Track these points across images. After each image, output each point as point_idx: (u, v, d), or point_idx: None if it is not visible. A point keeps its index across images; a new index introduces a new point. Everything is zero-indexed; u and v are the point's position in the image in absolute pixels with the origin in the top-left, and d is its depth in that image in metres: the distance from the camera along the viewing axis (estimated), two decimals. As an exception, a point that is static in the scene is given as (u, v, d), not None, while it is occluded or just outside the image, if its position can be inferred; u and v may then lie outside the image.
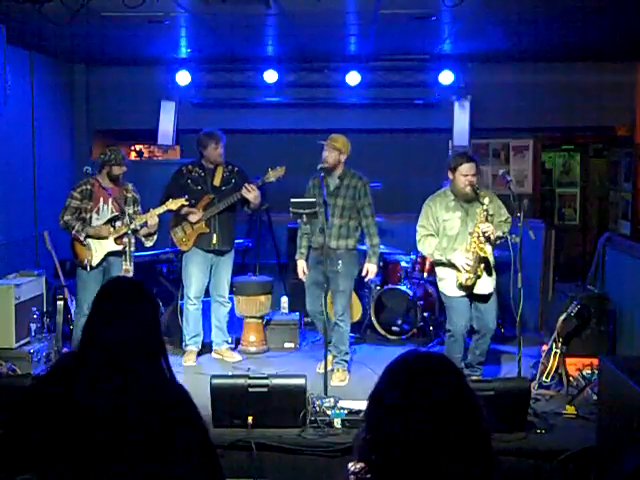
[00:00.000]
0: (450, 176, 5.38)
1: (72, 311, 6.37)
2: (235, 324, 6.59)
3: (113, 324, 2.21)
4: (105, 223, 5.93)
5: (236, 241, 7.04)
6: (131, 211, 5.99)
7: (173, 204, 5.93)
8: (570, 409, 4.96)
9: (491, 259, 5.39)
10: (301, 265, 5.88)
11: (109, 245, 5.92)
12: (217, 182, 6.17)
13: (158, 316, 2.37)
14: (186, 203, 5.97)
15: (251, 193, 5.99)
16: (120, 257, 5.97)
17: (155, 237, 6.07)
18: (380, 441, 1.64)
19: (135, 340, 2.22)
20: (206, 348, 6.38)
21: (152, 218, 5.89)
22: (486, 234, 5.19)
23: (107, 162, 5.93)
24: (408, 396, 1.63)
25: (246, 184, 6.02)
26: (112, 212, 5.97)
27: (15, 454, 2.20)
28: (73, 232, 5.88)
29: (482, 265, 5.28)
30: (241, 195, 6.04)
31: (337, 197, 5.74)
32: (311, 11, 5.42)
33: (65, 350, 6.02)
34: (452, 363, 1.74)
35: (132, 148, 9.80)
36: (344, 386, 5.66)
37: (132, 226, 5.86)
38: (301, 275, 5.90)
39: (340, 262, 5.75)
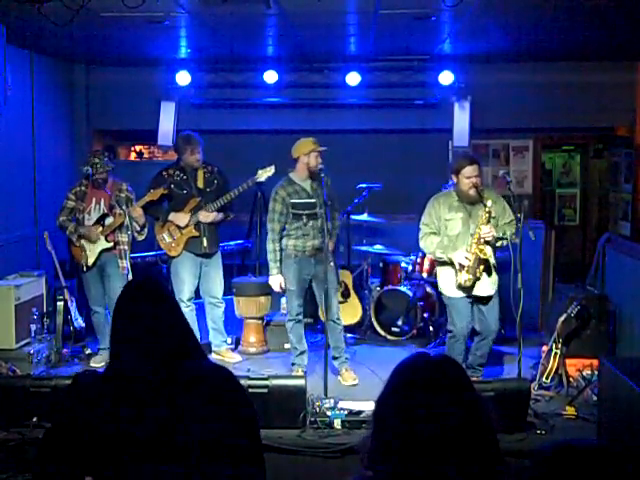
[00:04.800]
0: (454, 179, 5.38)
1: (72, 312, 6.39)
2: (235, 325, 6.59)
3: (148, 327, 2.19)
4: (95, 222, 6.07)
5: (236, 242, 7.04)
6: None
7: (153, 195, 6.01)
8: (570, 410, 4.97)
9: (492, 261, 5.39)
10: (279, 280, 5.72)
11: (101, 243, 6.09)
12: (200, 184, 6.19)
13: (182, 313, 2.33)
14: (165, 192, 6.03)
15: (207, 218, 6.10)
16: (114, 254, 6.06)
17: (145, 230, 6.15)
18: (386, 444, 1.63)
19: (173, 340, 2.20)
20: (204, 349, 6.36)
21: (135, 210, 5.98)
22: (487, 237, 5.18)
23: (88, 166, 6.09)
24: (415, 401, 1.62)
25: (200, 212, 6.08)
26: (103, 212, 6.07)
27: (60, 461, 2.18)
28: (67, 233, 6.12)
29: (482, 267, 5.27)
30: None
31: (318, 197, 5.69)
32: (311, 11, 5.42)
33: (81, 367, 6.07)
34: (460, 368, 1.72)
35: (132, 148, 9.79)
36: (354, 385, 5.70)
37: (127, 219, 5.91)
38: (279, 289, 5.78)
39: (331, 259, 5.76)
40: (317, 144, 5.68)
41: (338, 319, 5.84)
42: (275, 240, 5.69)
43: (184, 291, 6.18)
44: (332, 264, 5.77)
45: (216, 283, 6.31)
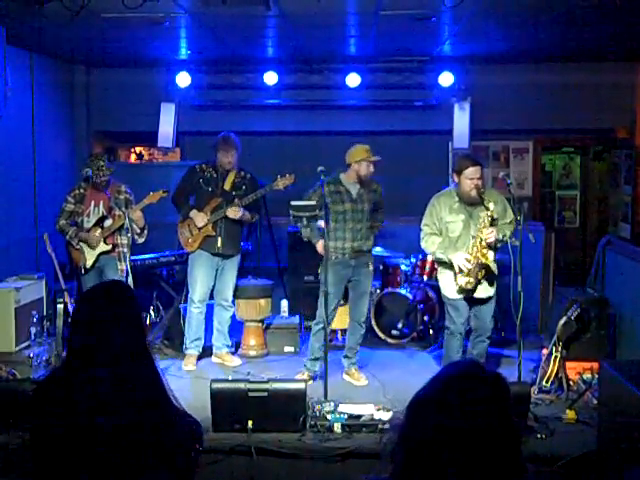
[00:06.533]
0: (455, 179, 5.38)
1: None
2: (235, 328, 6.58)
3: (98, 329, 2.19)
4: (94, 225, 6.05)
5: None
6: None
7: (153, 197, 5.95)
8: (570, 413, 4.95)
9: (494, 267, 5.37)
10: (321, 244, 5.72)
11: (100, 246, 6.08)
12: (227, 186, 6.16)
13: (141, 317, 2.33)
14: (164, 195, 5.99)
15: (235, 214, 6.03)
16: (113, 257, 6.05)
17: (146, 232, 6.11)
18: (417, 450, 1.61)
19: (122, 343, 2.20)
20: (206, 352, 6.37)
21: (134, 212, 5.94)
22: (489, 240, 5.18)
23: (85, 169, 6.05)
24: (463, 414, 1.59)
25: (230, 206, 6.03)
26: (102, 214, 6.07)
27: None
28: (67, 237, 6.10)
29: (483, 271, 5.27)
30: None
31: (363, 202, 5.75)
32: (311, 12, 5.42)
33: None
34: (508, 388, 1.70)
35: (132, 150, 9.78)
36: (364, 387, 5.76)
37: (127, 220, 5.88)
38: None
39: (369, 263, 5.84)
40: (370, 153, 5.67)
41: (364, 322, 5.92)
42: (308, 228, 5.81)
43: (196, 291, 6.15)
44: (371, 267, 5.84)
45: (229, 286, 6.28)
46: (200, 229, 6.12)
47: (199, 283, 6.16)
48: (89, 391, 2.13)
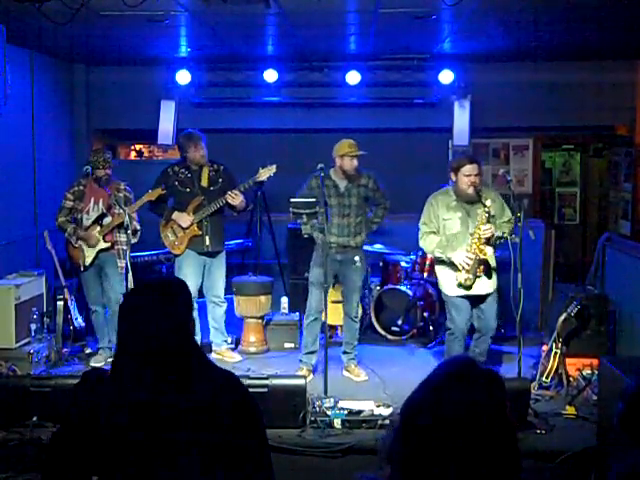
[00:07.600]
0: (452, 177, 5.38)
1: (72, 311, 6.39)
2: (235, 324, 6.59)
3: (150, 324, 2.14)
4: (93, 222, 6.07)
5: (236, 241, 7.05)
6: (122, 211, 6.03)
7: (151, 195, 5.98)
8: (570, 409, 4.97)
9: (492, 262, 5.39)
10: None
11: (99, 244, 6.09)
12: (204, 183, 6.17)
13: (190, 311, 2.26)
14: (163, 192, 6.01)
15: (235, 199, 6.00)
16: (113, 254, 6.06)
17: (138, 234, 6.12)
18: (414, 447, 1.58)
19: (174, 337, 2.16)
20: (205, 349, 6.36)
21: (132, 211, 5.95)
22: (486, 236, 5.19)
23: (89, 165, 6.05)
24: (456, 408, 1.57)
25: (229, 192, 6.01)
26: (101, 211, 6.08)
27: (69, 461, 2.17)
28: (66, 235, 6.12)
29: (482, 267, 5.28)
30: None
31: (350, 197, 5.76)
32: (311, 10, 5.41)
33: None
34: (504, 385, 1.69)
35: (132, 148, 9.79)
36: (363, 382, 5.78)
37: (127, 218, 5.87)
38: None
39: (357, 258, 5.82)
40: (353, 148, 5.67)
41: (355, 317, 5.94)
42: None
43: None
44: (358, 263, 5.80)
45: (219, 282, 6.30)
46: (185, 230, 6.12)
47: (189, 282, 6.07)
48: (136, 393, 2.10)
